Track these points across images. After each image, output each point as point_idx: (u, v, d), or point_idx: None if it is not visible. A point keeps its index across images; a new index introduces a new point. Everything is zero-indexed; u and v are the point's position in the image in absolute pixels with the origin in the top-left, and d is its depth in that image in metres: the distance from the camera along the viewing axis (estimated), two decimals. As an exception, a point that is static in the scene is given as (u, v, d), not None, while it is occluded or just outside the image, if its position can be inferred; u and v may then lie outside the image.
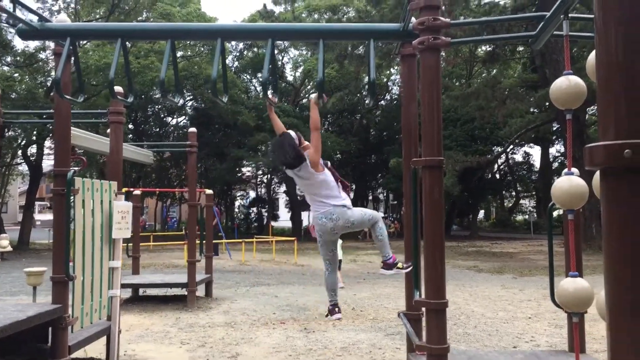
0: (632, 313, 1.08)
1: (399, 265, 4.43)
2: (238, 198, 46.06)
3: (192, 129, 9.60)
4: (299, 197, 37.41)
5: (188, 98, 32.11)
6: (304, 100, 38.31)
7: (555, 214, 5.02)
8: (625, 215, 1.06)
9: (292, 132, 4.50)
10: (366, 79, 31.10)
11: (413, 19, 3.91)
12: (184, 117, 36.87)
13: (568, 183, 2.85)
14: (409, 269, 4.32)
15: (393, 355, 6.11)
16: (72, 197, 4.93)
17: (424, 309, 3.93)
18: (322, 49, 4.18)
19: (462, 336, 7.09)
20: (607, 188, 1.10)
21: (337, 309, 4.52)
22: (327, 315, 4.60)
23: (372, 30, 4.29)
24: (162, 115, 35.06)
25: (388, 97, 37.30)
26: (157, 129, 35.15)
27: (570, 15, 3.18)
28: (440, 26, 3.55)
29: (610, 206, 1.10)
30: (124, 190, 7.03)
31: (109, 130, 8.47)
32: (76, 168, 5.30)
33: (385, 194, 46.10)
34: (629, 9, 1.12)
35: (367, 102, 34.97)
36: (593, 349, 5.96)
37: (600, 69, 1.15)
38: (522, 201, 49.11)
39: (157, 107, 33.20)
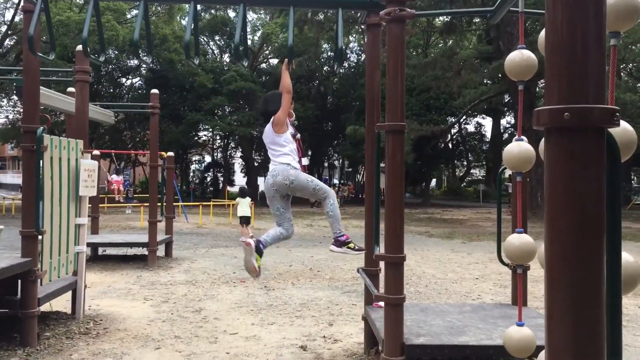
0: (567, 255, 1.34)
1: (351, 245, 4.29)
2: (194, 162, 45.72)
3: (154, 91, 9.60)
4: (255, 163, 37.46)
5: (143, 58, 31.46)
6: (263, 65, 38.05)
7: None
8: (563, 165, 1.33)
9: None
10: (325, 46, 31.11)
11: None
12: (138, 78, 36.17)
13: (518, 148, 3.16)
14: (360, 252, 4.36)
15: (350, 310, 6.46)
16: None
17: (382, 264, 4.25)
18: (292, 16, 4.37)
19: (414, 294, 7.51)
20: (550, 144, 1.36)
21: (259, 242, 4.17)
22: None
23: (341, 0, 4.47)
24: (115, 76, 34.27)
25: (346, 64, 37.43)
26: (111, 90, 34.39)
27: (525, -7, 3.46)
28: (406, -2, 3.77)
29: (552, 158, 1.36)
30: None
31: (69, 89, 8.44)
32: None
33: (340, 161, 46.57)
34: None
35: (335, 69, 35.07)
36: (534, 306, 6.44)
37: (547, 46, 1.39)
38: (472, 170, 50.46)
39: (110, 67, 32.43)
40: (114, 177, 20.79)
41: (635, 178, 38.42)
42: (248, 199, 14.61)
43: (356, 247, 4.32)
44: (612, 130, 1.37)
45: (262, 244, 4.19)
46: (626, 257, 1.74)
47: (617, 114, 1.33)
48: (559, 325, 1.33)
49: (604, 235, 1.33)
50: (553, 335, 1.34)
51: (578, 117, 1.29)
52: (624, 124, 1.82)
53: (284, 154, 4.28)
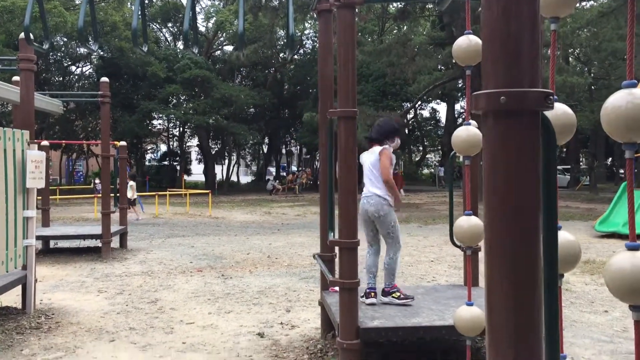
0: (504, 234, 1.38)
1: (395, 295, 4.52)
2: (149, 151, 44.93)
3: (104, 79, 9.37)
4: (212, 152, 37.05)
5: (90, 47, 30.63)
6: (217, 52, 37.58)
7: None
8: (500, 147, 1.36)
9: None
10: (280, 32, 30.91)
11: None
12: (89, 66, 35.25)
13: (466, 132, 3.21)
14: (405, 301, 4.45)
15: (307, 296, 6.50)
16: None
17: (337, 249, 4.28)
18: (242, 1, 4.31)
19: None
20: (487, 127, 1.39)
21: (372, 293, 4.53)
22: (361, 297, 4.40)
23: (291, -15, 4.44)
24: (65, 64, 33.29)
25: (302, 51, 37.29)
26: (60, 78, 33.41)
27: (472, -21, 3.50)
28: (356, -16, 3.78)
29: (489, 141, 1.39)
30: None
31: (15, 78, 8.17)
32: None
33: (298, 148, 46.54)
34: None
35: (286, 55, 34.82)
36: (486, 286, 6.61)
37: (484, 32, 1.42)
38: (428, 155, 51.18)
39: (59, 54, 31.48)
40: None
41: (584, 160, 39.65)
42: (132, 183, 16.59)
43: (401, 296, 4.50)
44: (552, 113, 1.41)
45: (370, 288, 4.56)
46: (566, 235, 1.80)
47: (551, 97, 1.37)
48: (497, 301, 1.37)
49: (540, 215, 1.38)
50: (493, 312, 1.38)
51: (513, 100, 1.32)
52: (563, 107, 1.88)
53: (382, 187, 4.57)
